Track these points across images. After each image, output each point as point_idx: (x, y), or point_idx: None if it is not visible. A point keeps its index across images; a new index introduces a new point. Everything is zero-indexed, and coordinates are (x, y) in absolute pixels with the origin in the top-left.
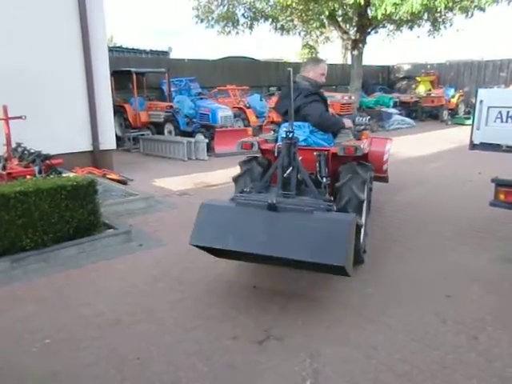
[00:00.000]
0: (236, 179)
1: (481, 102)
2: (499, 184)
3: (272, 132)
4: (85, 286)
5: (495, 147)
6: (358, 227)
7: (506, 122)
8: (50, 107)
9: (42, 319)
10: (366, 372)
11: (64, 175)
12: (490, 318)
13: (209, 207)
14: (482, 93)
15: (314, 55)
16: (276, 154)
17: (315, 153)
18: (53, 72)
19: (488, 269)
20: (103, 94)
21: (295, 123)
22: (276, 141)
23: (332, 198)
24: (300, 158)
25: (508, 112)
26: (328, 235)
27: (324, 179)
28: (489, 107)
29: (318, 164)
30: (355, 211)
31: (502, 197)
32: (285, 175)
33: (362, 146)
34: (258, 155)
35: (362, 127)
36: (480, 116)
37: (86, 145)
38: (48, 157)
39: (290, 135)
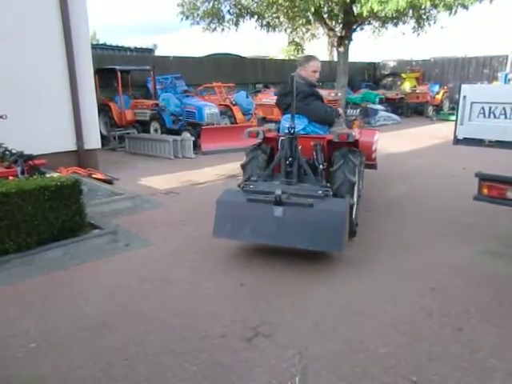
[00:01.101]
0: (244, 165)
1: (464, 97)
2: (482, 178)
3: (274, 123)
4: (70, 288)
5: (478, 142)
6: (351, 206)
7: (489, 117)
8: (31, 106)
9: (27, 323)
10: (354, 366)
11: (48, 175)
12: (473, 309)
13: (224, 203)
14: (466, 88)
15: (300, 52)
16: (279, 147)
17: (312, 142)
18: (34, 70)
19: (472, 262)
20: (87, 93)
21: (296, 115)
22: (278, 130)
23: (328, 184)
24: (300, 147)
25: (490, 107)
26: (327, 227)
27: (320, 166)
28: (472, 103)
29: (315, 152)
30: (348, 192)
31: (485, 191)
32: (287, 169)
33: (353, 134)
34: (262, 144)
35: (354, 117)
36: (463, 111)
37: (70, 144)
38: (31, 157)
39: (292, 131)
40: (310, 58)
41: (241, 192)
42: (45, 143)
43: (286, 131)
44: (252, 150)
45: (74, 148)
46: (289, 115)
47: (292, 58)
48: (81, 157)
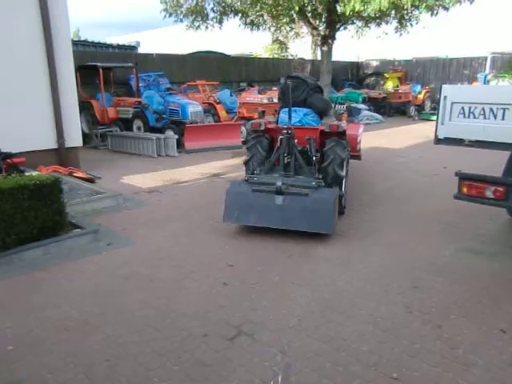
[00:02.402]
0: (248, 151)
1: (445, 97)
2: (462, 178)
3: (273, 116)
4: (50, 288)
5: (458, 142)
6: (340, 196)
7: (469, 117)
8: (10, 104)
9: (4, 325)
10: (336, 365)
11: (27, 174)
12: (454, 306)
13: (233, 194)
14: (446, 89)
15: (283, 51)
16: (279, 144)
17: (307, 136)
18: (13, 67)
19: (453, 260)
20: (68, 90)
21: (292, 108)
22: (277, 122)
23: (321, 176)
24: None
25: (470, 108)
26: (320, 212)
27: (314, 157)
28: (452, 103)
29: (308, 145)
30: (337, 185)
31: (464, 190)
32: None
33: (342, 125)
34: (264, 133)
35: (342, 112)
36: (444, 111)
37: (50, 142)
38: (9, 155)
39: (290, 131)
40: (302, 61)
41: (246, 183)
42: (24, 141)
43: (286, 127)
44: (255, 136)
45: (54, 146)
46: (286, 109)
47: (276, 56)
48: (61, 155)
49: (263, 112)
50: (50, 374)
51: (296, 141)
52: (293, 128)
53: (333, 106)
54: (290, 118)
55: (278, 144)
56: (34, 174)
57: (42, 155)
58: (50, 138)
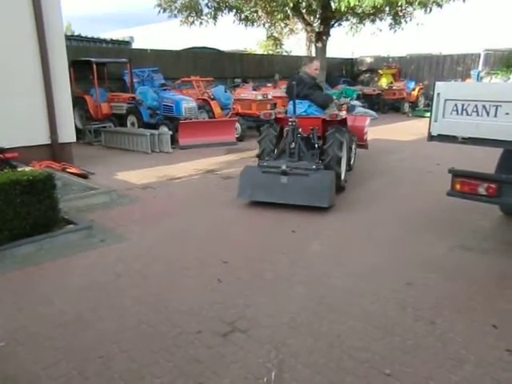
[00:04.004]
0: (260, 139)
1: (438, 94)
2: (455, 174)
3: (282, 107)
4: (43, 284)
5: (452, 139)
6: (338, 174)
7: (462, 114)
8: (2, 99)
9: None
10: (329, 361)
11: (19, 169)
12: (446, 303)
13: (246, 174)
14: (439, 86)
15: (278, 47)
16: (285, 135)
17: (310, 126)
18: (5, 62)
19: (447, 257)
20: (61, 85)
21: (298, 100)
22: (286, 113)
23: (320, 161)
24: (300, 129)
25: (463, 105)
26: (317, 189)
27: (316, 144)
28: (445, 100)
29: (312, 133)
30: (336, 164)
31: (457, 187)
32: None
33: (341, 114)
34: (274, 122)
35: (342, 103)
36: (437, 108)
37: (43, 138)
38: (1, 150)
39: (294, 123)
40: (313, 58)
41: (257, 167)
42: (17, 136)
43: (290, 119)
44: (266, 128)
45: (47, 141)
46: (294, 101)
47: (271, 52)
48: (55, 151)
49: (275, 104)
50: (42, 371)
51: (300, 129)
52: (297, 119)
53: (334, 98)
54: (294, 110)
55: (285, 134)
56: (27, 169)
57: (35, 150)
58: (43, 133)
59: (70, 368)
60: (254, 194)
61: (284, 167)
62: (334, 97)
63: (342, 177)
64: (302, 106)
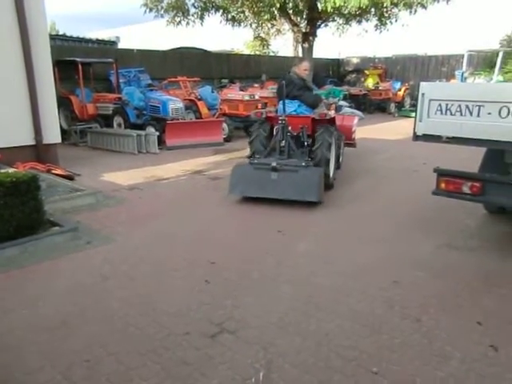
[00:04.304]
0: (251, 140)
1: (423, 95)
2: (440, 174)
3: (273, 107)
4: (27, 288)
5: (436, 138)
6: (327, 174)
7: (446, 114)
8: None
9: None
10: (317, 360)
11: (3, 171)
12: (432, 301)
13: (238, 171)
14: (424, 86)
15: (265, 47)
16: (275, 133)
17: (300, 125)
18: None
19: (433, 255)
20: (46, 85)
21: (288, 100)
22: (276, 112)
23: (310, 159)
24: (289, 127)
25: (447, 105)
26: (307, 184)
27: (305, 143)
28: (430, 100)
29: (301, 132)
30: (325, 163)
31: (443, 186)
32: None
33: (330, 114)
34: (265, 121)
35: (331, 103)
36: (422, 108)
37: (27, 139)
38: None
39: (284, 122)
40: (302, 59)
41: (248, 165)
42: (0, 138)
43: (280, 118)
44: (257, 127)
45: (32, 142)
46: (284, 101)
47: (258, 53)
48: (40, 152)
49: (266, 104)
50: (26, 376)
51: (290, 128)
52: (287, 118)
53: (323, 98)
54: (284, 109)
55: (275, 133)
56: (11, 170)
57: (19, 152)
58: (27, 134)
59: (56, 373)
60: (245, 190)
61: (274, 164)
62: (323, 97)
63: (331, 175)
64: (292, 106)
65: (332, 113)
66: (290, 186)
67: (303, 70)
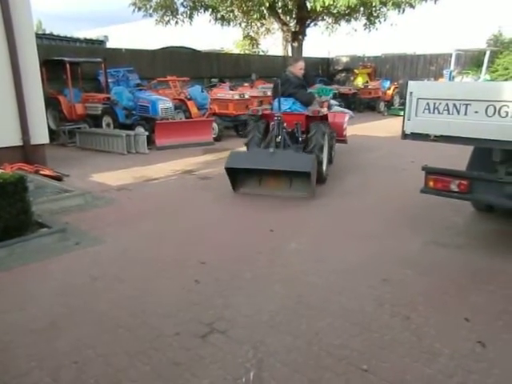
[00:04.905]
0: (249, 130)
1: (411, 93)
2: (428, 172)
3: (269, 104)
4: (15, 290)
5: (424, 137)
6: (320, 161)
7: (433, 112)
8: None
9: None
10: (308, 358)
11: None
12: (421, 298)
13: (234, 153)
14: (412, 85)
15: (255, 46)
16: (271, 129)
17: (295, 121)
18: None
19: (421, 252)
20: (33, 85)
21: (283, 98)
22: (272, 109)
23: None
24: (285, 123)
25: (435, 103)
26: (302, 160)
27: (300, 138)
28: (418, 99)
29: (296, 128)
30: (319, 150)
31: (431, 184)
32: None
33: (322, 110)
34: (261, 118)
35: (323, 101)
36: (410, 107)
37: (14, 139)
38: None
39: (280, 118)
40: (298, 59)
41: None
42: None
43: (276, 115)
44: (253, 121)
45: (19, 143)
46: (279, 99)
47: (247, 52)
48: (27, 152)
49: (261, 102)
50: (12, 380)
51: (285, 124)
52: (283, 114)
53: (316, 96)
54: (279, 107)
55: (271, 128)
56: None
57: (6, 152)
58: (14, 134)
59: (43, 375)
60: (242, 163)
61: (271, 150)
62: (316, 95)
63: (324, 169)
64: (287, 103)
65: (325, 110)
66: (286, 159)
67: (299, 69)
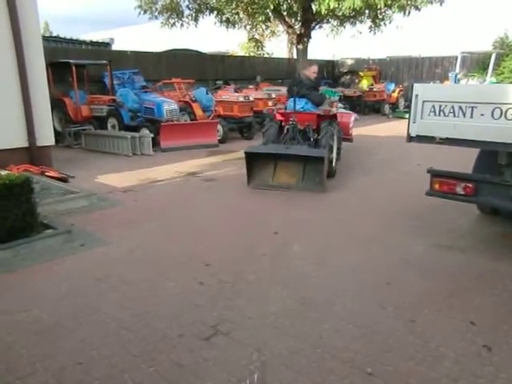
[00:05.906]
0: (264, 131)
1: (416, 96)
2: (434, 174)
3: (283, 104)
4: (20, 291)
5: (430, 139)
6: (331, 160)
7: (439, 115)
8: None
9: None
10: (312, 361)
11: None
12: (426, 301)
13: (251, 146)
14: (417, 87)
15: (260, 49)
16: (285, 131)
17: (306, 121)
18: None
19: (426, 255)
20: (39, 87)
21: (297, 98)
22: (286, 109)
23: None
24: (297, 122)
25: (440, 106)
26: (315, 150)
27: (311, 138)
28: (423, 101)
29: (308, 127)
30: (329, 150)
31: (436, 186)
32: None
33: (333, 110)
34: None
35: (333, 101)
36: (415, 110)
37: (21, 141)
38: None
39: (294, 123)
40: (312, 63)
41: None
42: None
43: (291, 119)
44: (268, 122)
45: (25, 145)
46: (293, 98)
47: (252, 54)
48: (33, 154)
49: (275, 104)
50: (18, 380)
51: (298, 122)
52: (296, 113)
53: (327, 97)
54: (294, 106)
55: (285, 131)
56: (4, 173)
57: (13, 154)
58: (20, 136)
59: (48, 376)
60: (260, 149)
61: (287, 146)
62: (327, 96)
63: (333, 164)
64: (300, 103)
65: (334, 110)
66: (302, 148)
67: (312, 72)
